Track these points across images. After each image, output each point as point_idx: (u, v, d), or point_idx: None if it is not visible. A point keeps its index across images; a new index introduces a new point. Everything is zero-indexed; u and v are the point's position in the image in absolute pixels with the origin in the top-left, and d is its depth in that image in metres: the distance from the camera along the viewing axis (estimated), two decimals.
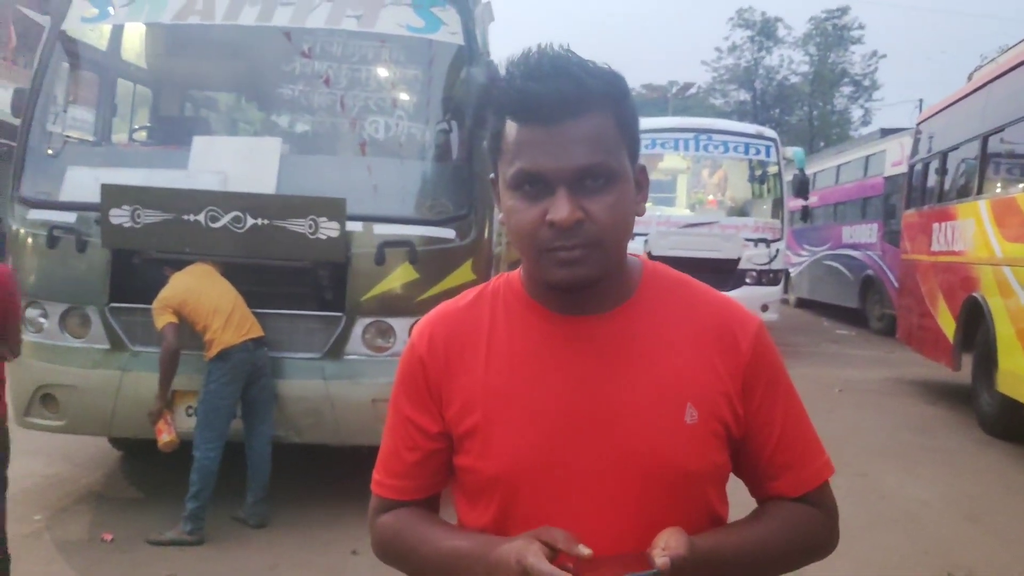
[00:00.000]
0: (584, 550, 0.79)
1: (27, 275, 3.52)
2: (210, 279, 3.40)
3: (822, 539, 0.96)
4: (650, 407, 0.88)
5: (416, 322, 1.03)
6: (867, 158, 12.19)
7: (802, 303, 14.56)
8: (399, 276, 3.48)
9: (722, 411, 0.90)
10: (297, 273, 3.56)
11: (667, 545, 0.80)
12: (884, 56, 33.71)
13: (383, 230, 3.47)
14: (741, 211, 9.87)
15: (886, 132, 12.46)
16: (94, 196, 3.29)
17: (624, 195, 0.86)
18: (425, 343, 0.95)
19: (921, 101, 21.77)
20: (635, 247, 1.17)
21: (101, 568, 3.10)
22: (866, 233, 11.58)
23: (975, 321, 5.77)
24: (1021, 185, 5.41)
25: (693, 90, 34.71)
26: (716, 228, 8.75)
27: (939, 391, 7.15)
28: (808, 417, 0.97)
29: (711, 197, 10.67)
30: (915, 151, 8.00)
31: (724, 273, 8.13)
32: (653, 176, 10.31)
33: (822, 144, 27.72)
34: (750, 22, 32.46)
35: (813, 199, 11.94)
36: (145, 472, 4.24)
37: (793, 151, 9.90)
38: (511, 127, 0.85)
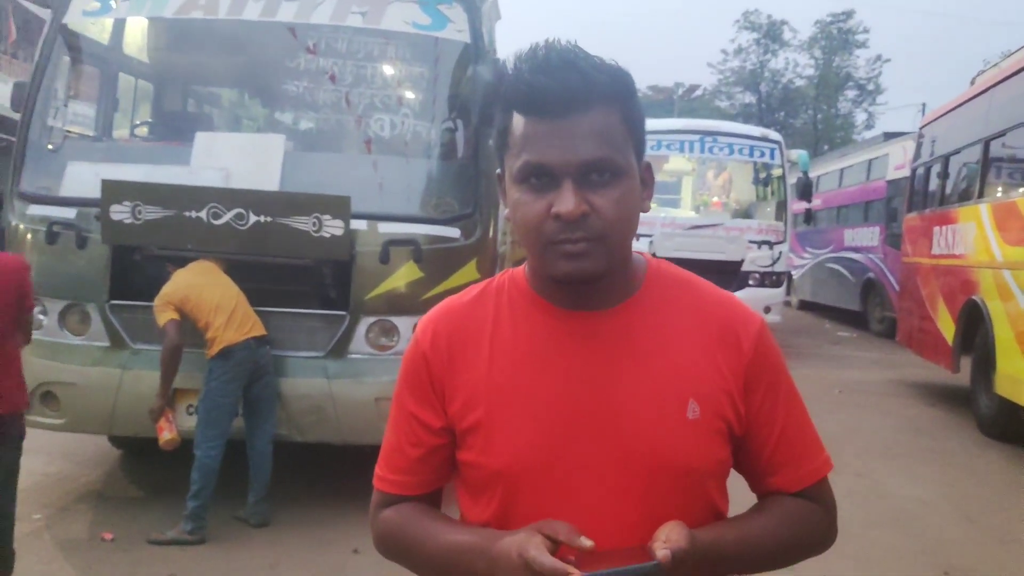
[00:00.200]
0: (586, 542, 0.79)
1: None
2: (213, 276, 3.39)
3: (821, 534, 0.97)
4: (653, 403, 0.88)
5: None
6: (870, 162, 12.19)
7: (804, 305, 14.57)
8: (403, 275, 3.47)
9: (724, 408, 0.90)
10: (300, 271, 3.55)
11: (668, 538, 0.80)
12: (888, 60, 33.73)
13: (388, 228, 3.47)
14: (745, 213, 9.88)
15: (889, 136, 12.46)
16: (94, 192, 3.28)
17: (629, 191, 0.86)
18: (429, 339, 0.95)
19: (924, 105, 21.79)
20: (640, 248, 1.17)
21: (101, 567, 3.10)
22: (868, 236, 11.59)
23: (974, 324, 5.77)
24: (1022, 189, 5.41)
25: (699, 92, 34.67)
26: (720, 230, 8.76)
27: (938, 393, 7.15)
28: (808, 415, 0.98)
29: (716, 199, 10.67)
30: (917, 155, 8.00)
31: (728, 275, 8.14)
32: (658, 177, 10.34)
33: (826, 147, 27.70)
34: (756, 25, 32.43)
35: (816, 202, 11.94)
36: (146, 471, 4.24)
37: (797, 154, 9.89)
38: (518, 120, 0.85)
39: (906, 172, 8.91)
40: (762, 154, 9.36)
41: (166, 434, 3.33)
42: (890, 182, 10.91)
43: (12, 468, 2.56)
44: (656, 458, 0.87)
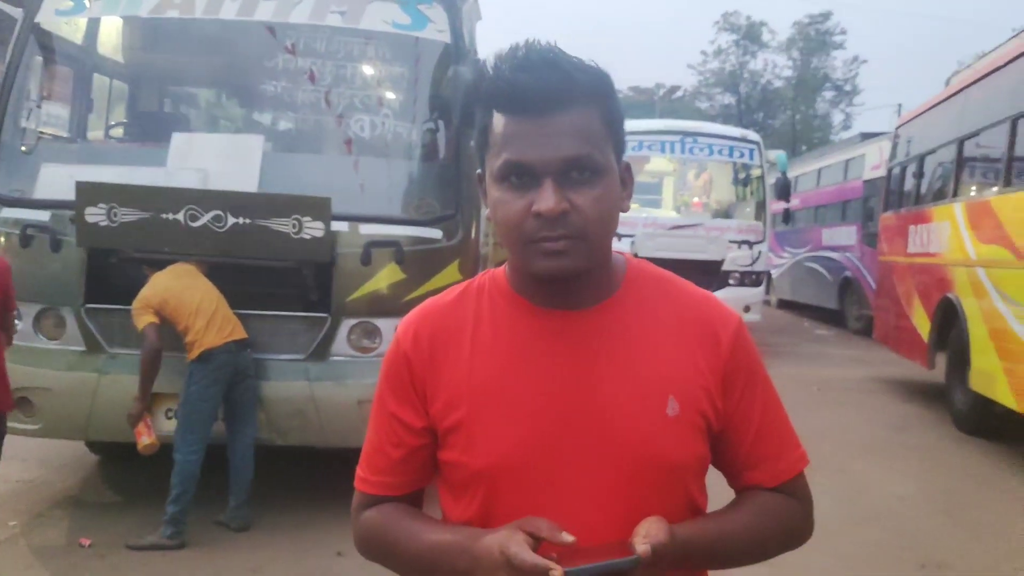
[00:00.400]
0: (567, 537, 0.80)
1: None
2: (192, 279, 3.35)
3: (798, 527, 0.98)
4: (633, 400, 0.89)
5: None
6: (847, 162, 12.37)
7: (783, 304, 14.74)
8: (385, 276, 3.45)
9: (702, 404, 0.91)
10: (281, 273, 3.52)
11: (648, 533, 0.81)
12: (865, 61, 34.25)
13: (369, 230, 3.45)
14: (725, 213, 9.97)
15: (866, 136, 12.66)
16: (69, 194, 3.22)
17: (609, 189, 0.86)
18: (410, 339, 0.95)
19: (900, 106, 22.17)
20: (622, 248, 1.17)
21: (79, 574, 3.05)
22: (845, 235, 11.75)
23: (949, 321, 5.88)
24: (995, 188, 5.52)
25: (680, 93, 34.99)
26: (701, 230, 8.84)
27: (914, 389, 7.27)
28: (785, 411, 0.99)
29: (696, 199, 10.76)
30: (893, 155, 8.12)
31: (709, 274, 8.21)
32: (640, 178, 10.39)
33: (804, 148, 28.07)
34: (735, 26, 32.81)
35: (795, 202, 12.09)
36: (123, 476, 4.17)
37: (776, 155, 10.01)
38: (498, 119, 0.85)
39: (882, 172, 9.05)
40: (741, 155, 9.46)
41: (145, 439, 3.29)
42: (867, 182, 11.08)
43: None
44: (637, 455, 0.88)
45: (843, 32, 32.13)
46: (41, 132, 3.98)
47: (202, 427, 3.30)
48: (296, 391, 3.45)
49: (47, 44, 3.89)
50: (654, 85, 33.93)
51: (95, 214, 3.21)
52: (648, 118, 12.29)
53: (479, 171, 0.92)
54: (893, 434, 5.71)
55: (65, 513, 3.66)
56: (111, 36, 4.53)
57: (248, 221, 3.25)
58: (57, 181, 3.40)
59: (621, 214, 0.90)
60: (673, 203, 11.12)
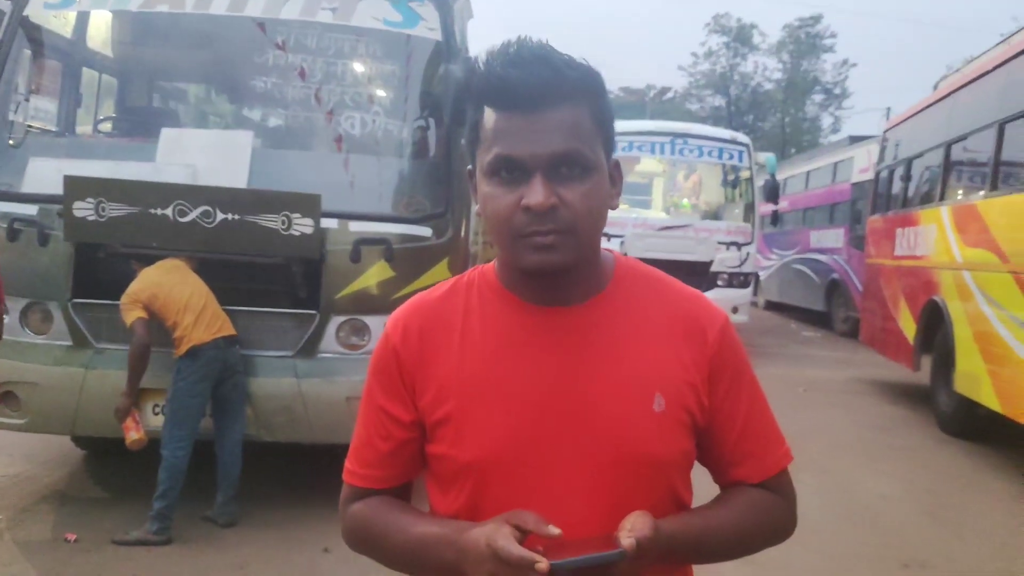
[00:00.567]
0: (553, 530, 0.80)
1: None
2: (180, 275, 3.34)
3: (782, 523, 1.00)
4: (620, 396, 0.90)
5: None
6: (835, 164, 12.47)
7: (771, 306, 14.84)
8: (375, 274, 3.45)
9: (688, 400, 0.92)
10: (270, 270, 3.51)
11: (633, 527, 0.82)
12: (855, 65, 34.47)
13: (359, 227, 3.44)
14: (714, 215, 10.02)
15: (855, 139, 12.76)
16: (57, 188, 3.20)
17: (599, 186, 0.87)
18: (399, 333, 0.96)
19: (889, 109, 22.34)
20: (612, 248, 1.18)
21: (65, 569, 3.03)
22: (833, 238, 11.85)
23: (935, 324, 5.94)
24: (982, 192, 5.58)
25: (670, 94, 35.13)
26: (690, 231, 8.88)
27: (900, 391, 7.34)
28: (769, 409, 1.00)
29: (686, 200, 10.81)
30: (881, 158, 8.20)
31: (697, 275, 8.26)
32: (630, 179, 10.39)
33: (793, 150, 28.25)
34: (726, 28, 32.94)
35: (783, 204, 12.16)
36: (110, 471, 4.15)
37: (765, 157, 10.07)
38: (489, 115, 0.86)
39: (870, 175, 9.13)
40: (731, 156, 9.51)
41: (132, 434, 3.27)
42: (855, 185, 11.17)
43: None
44: (623, 450, 0.89)
45: (833, 35, 32.36)
46: (29, 126, 3.96)
47: (190, 423, 3.29)
48: (284, 388, 3.44)
49: (36, 38, 3.86)
50: (645, 86, 34.11)
51: (83, 208, 3.19)
52: (639, 119, 12.33)
53: (470, 167, 0.93)
54: (878, 435, 5.77)
55: (51, 508, 3.64)
56: (100, 30, 4.49)
57: (237, 217, 3.24)
58: (45, 175, 3.38)
59: (610, 214, 0.91)
60: (663, 204, 11.16)
